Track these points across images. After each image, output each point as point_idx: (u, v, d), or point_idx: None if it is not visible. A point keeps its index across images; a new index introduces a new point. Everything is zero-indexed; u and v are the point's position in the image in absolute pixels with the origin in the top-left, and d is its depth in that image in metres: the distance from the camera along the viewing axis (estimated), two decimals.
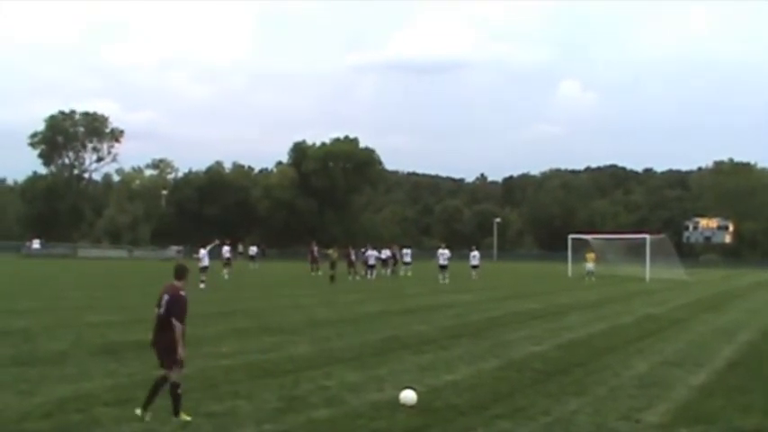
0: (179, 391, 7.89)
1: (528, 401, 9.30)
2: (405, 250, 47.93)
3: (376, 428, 7.97)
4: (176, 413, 7.89)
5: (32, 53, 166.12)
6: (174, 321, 7.80)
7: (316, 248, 46.52)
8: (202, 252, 32.14)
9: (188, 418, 7.87)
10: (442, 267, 38.45)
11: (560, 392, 9.89)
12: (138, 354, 11.55)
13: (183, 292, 7.99)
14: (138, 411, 7.89)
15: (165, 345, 7.90)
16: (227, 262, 39.46)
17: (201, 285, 28.80)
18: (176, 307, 7.87)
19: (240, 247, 59.85)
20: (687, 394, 10.07)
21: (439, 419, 8.34)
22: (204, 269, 30.85)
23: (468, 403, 9.13)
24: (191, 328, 15.52)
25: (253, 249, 56.65)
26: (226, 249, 39.93)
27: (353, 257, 41.48)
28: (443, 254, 39.29)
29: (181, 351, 7.85)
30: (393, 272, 45.11)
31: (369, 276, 40.41)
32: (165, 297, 7.96)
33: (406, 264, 45.84)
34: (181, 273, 8.17)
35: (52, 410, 8.28)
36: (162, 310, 7.94)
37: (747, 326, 19.24)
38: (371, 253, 42.40)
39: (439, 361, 12.33)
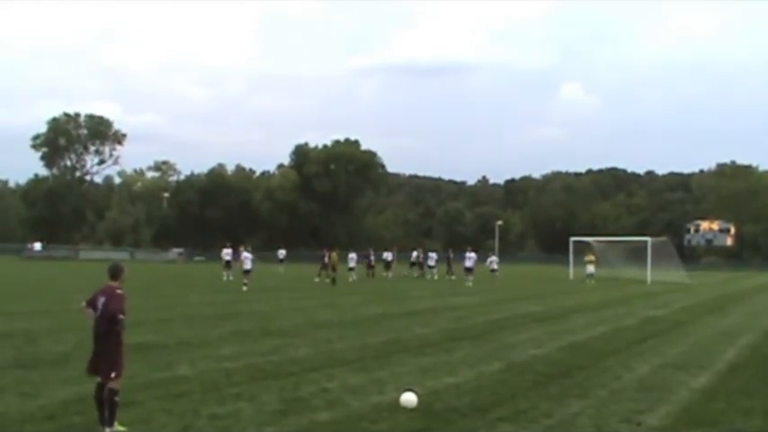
0: (116, 398, 7.41)
1: (529, 404, 9.30)
2: (430, 254, 48.60)
3: (377, 431, 7.98)
4: (111, 423, 7.39)
5: (34, 55, 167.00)
6: (119, 316, 7.42)
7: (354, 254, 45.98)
8: (245, 255, 32.67)
9: (122, 429, 7.46)
10: (468, 270, 40.09)
11: (562, 395, 9.89)
12: (139, 356, 11.58)
13: (119, 291, 7.60)
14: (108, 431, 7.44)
15: (105, 349, 7.47)
16: (228, 264, 39.42)
17: (244, 288, 30.09)
18: (115, 303, 7.47)
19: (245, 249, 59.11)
20: (688, 397, 10.06)
21: (440, 422, 8.34)
22: (247, 272, 31.79)
23: (470, 406, 9.13)
24: (196, 331, 15.77)
25: (281, 253, 55.61)
26: (226, 252, 39.83)
27: (327, 259, 40.93)
28: (471, 257, 40.99)
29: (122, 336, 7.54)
30: (420, 275, 45.56)
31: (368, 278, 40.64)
32: (102, 299, 7.55)
33: (431, 267, 46.23)
34: (116, 272, 7.79)
35: (54, 413, 8.28)
36: (99, 312, 7.53)
37: (749, 329, 19.23)
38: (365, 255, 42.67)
39: (440, 363, 12.33)
